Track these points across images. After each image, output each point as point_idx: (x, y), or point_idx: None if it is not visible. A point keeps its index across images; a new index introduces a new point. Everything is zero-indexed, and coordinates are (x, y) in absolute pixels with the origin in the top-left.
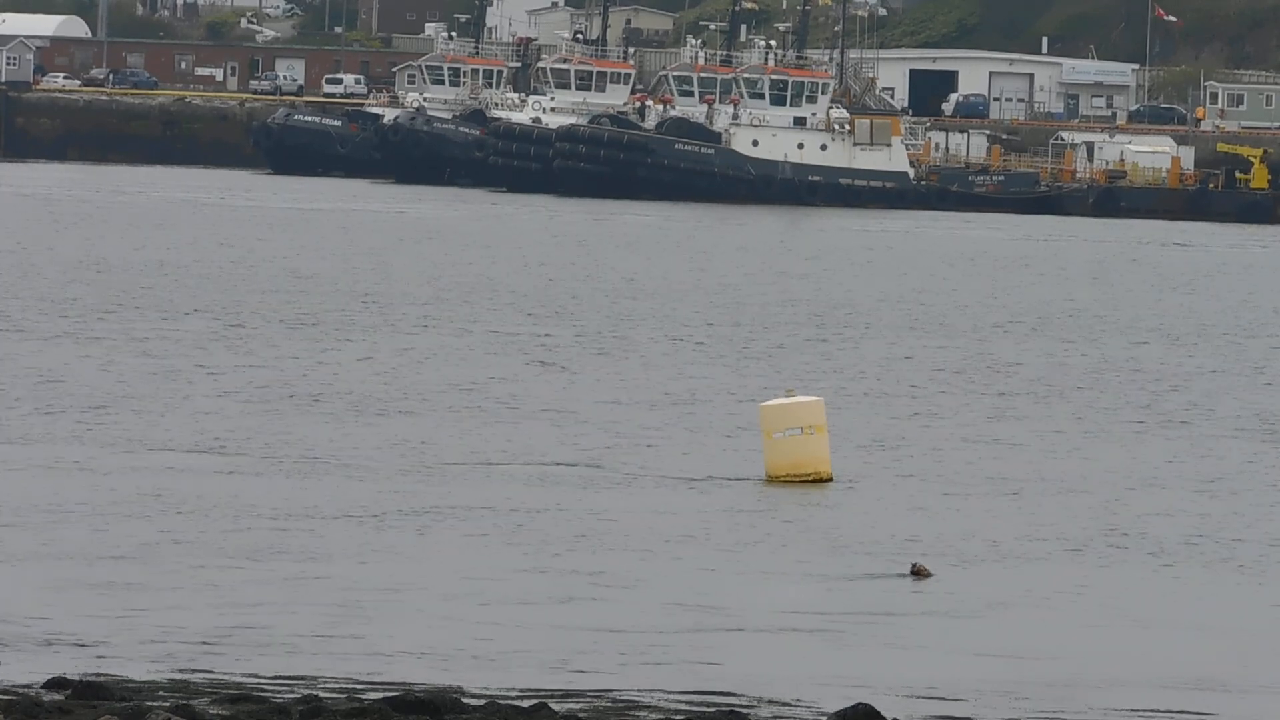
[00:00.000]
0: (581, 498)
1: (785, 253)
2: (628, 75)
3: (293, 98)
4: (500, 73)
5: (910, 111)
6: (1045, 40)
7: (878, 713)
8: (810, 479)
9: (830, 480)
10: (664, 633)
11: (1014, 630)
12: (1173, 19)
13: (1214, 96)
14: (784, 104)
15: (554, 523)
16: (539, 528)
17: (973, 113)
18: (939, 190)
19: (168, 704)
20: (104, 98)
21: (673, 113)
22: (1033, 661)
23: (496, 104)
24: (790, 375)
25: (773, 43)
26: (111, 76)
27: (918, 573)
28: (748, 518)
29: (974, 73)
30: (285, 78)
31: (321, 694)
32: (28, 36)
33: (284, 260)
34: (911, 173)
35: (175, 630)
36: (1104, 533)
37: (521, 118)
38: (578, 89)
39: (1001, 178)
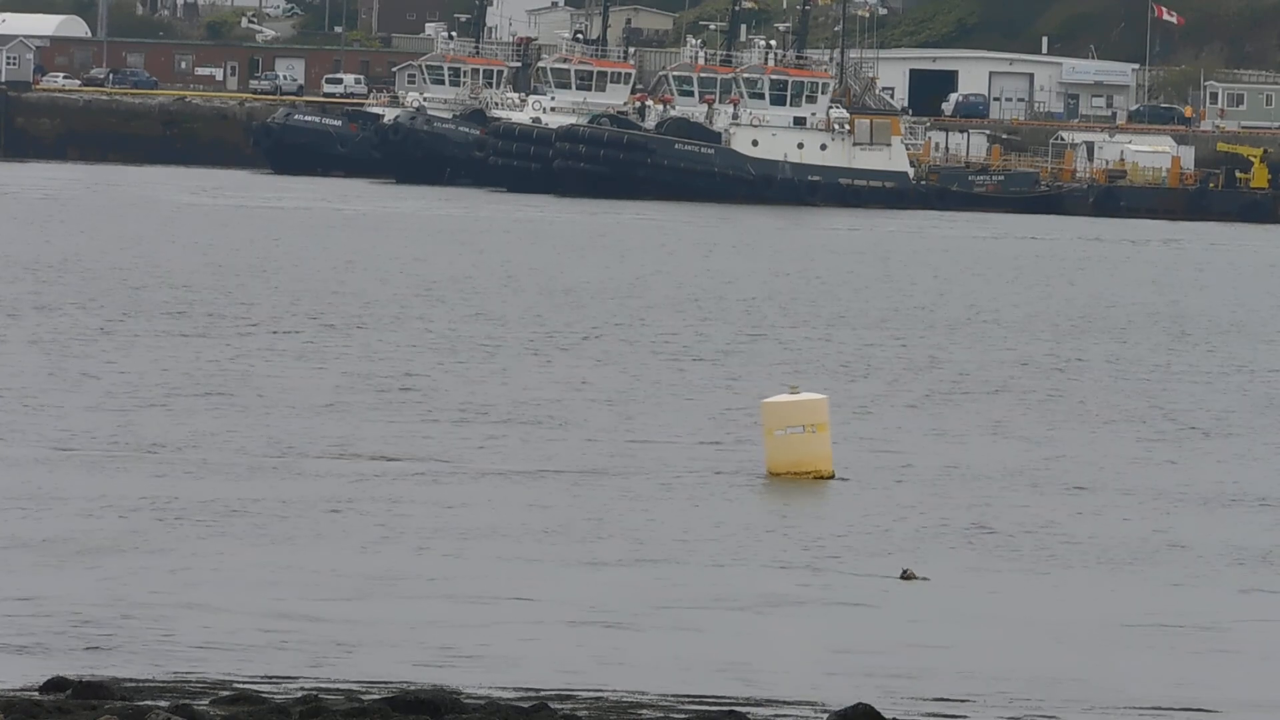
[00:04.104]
0: (582, 494)
1: (780, 252)
2: (628, 75)
3: (293, 97)
4: (500, 73)
5: (910, 111)
6: (1045, 40)
7: (877, 713)
8: (811, 476)
9: (831, 478)
10: (664, 631)
11: (1013, 629)
12: (1172, 19)
13: (1214, 96)
14: (784, 104)
15: (554, 520)
16: (539, 524)
17: (972, 112)
18: (939, 190)
19: (167, 704)
20: (104, 98)
21: (673, 113)
22: (1032, 661)
23: (497, 104)
24: (796, 371)
25: (773, 42)
26: (111, 76)
27: (907, 579)
28: (747, 515)
29: (974, 72)
30: (285, 77)
31: (321, 694)
32: (28, 36)
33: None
34: (911, 172)
35: (174, 629)
36: (1104, 532)
37: (521, 118)
38: (578, 89)
39: (1001, 177)
